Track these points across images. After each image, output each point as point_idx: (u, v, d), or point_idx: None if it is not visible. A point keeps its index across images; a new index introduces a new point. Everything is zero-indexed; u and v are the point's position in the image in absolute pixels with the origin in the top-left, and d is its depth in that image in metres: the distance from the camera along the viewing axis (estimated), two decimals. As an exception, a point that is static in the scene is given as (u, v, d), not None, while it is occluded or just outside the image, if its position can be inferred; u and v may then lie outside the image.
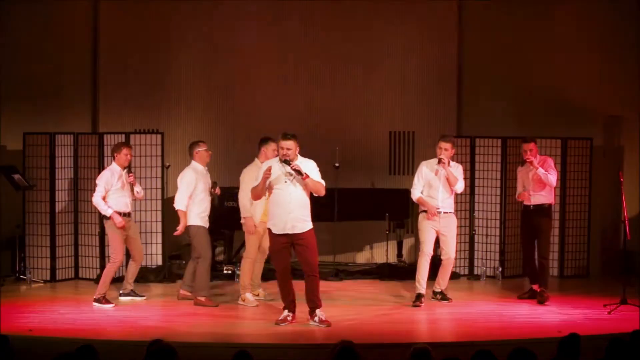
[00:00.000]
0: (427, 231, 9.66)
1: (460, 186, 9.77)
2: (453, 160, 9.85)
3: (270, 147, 9.67)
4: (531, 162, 9.70)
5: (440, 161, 9.58)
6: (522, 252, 10.25)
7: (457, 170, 9.75)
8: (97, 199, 9.65)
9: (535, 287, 9.90)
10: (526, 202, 9.95)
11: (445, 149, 9.61)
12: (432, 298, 9.83)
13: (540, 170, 9.69)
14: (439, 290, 9.85)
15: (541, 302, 9.68)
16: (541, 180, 9.74)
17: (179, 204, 9.66)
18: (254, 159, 9.80)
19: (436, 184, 9.64)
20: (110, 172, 9.72)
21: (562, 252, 11.66)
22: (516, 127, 11.87)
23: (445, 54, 12.49)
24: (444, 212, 9.67)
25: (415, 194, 9.76)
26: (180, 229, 9.65)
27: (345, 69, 12.52)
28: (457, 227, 11.42)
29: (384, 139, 12.55)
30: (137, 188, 9.92)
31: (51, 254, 11.09)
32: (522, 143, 9.88)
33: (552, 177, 9.79)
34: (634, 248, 11.25)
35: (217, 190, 9.95)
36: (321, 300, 8.65)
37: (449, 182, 9.63)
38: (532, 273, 10.01)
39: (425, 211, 9.70)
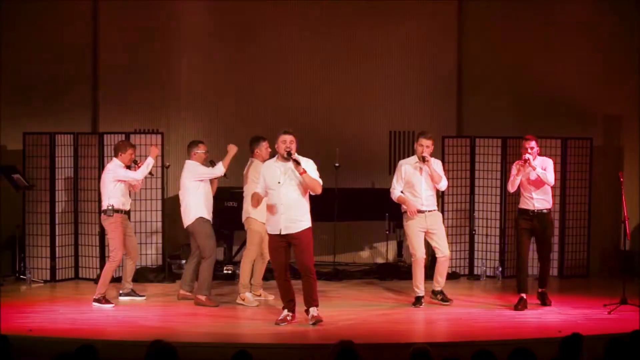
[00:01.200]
0: (416, 235, 9.51)
1: (444, 183, 9.61)
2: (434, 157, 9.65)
3: (263, 145, 9.71)
4: (528, 161, 9.35)
5: (424, 159, 9.41)
6: (519, 257, 9.63)
7: (439, 167, 9.58)
8: (137, 175, 9.71)
9: (526, 296, 9.53)
10: (526, 207, 9.56)
11: (427, 146, 9.43)
12: (432, 298, 9.72)
13: (539, 170, 9.38)
14: (439, 290, 9.71)
15: (546, 304, 9.61)
16: (539, 181, 9.47)
17: (213, 170, 9.72)
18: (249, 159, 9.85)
19: (418, 182, 9.50)
20: (115, 167, 9.77)
21: (562, 252, 11.65)
22: (516, 127, 11.86)
23: (445, 54, 12.50)
24: (429, 211, 9.54)
25: (396, 193, 9.57)
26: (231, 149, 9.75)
27: (345, 68, 12.51)
28: (457, 226, 11.48)
29: (384, 139, 12.54)
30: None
31: (51, 254, 11.09)
32: (523, 140, 9.57)
33: (551, 176, 9.45)
34: (634, 248, 11.25)
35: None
36: (318, 300, 8.65)
37: (433, 180, 9.51)
38: (523, 281, 9.56)
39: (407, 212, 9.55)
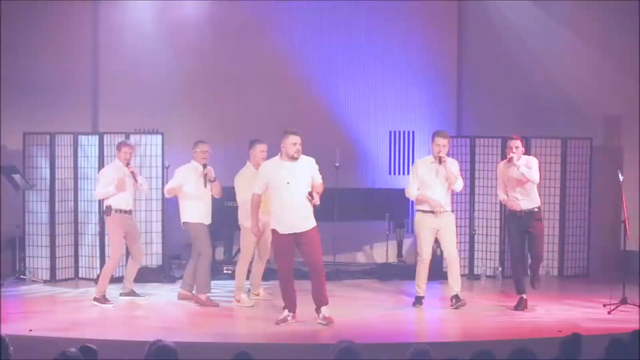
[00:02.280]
0: (425, 235, 9.45)
1: (460, 184, 9.52)
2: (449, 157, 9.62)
3: (257, 149, 9.69)
4: (511, 159, 9.32)
5: (441, 159, 9.33)
6: (513, 258, 9.65)
7: (455, 167, 9.49)
8: (99, 191, 9.76)
9: (525, 296, 9.49)
10: (514, 208, 9.47)
11: (444, 145, 9.36)
12: (452, 307, 9.46)
13: (523, 169, 9.29)
14: (454, 294, 9.52)
15: (535, 287, 9.55)
16: (520, 181, 9.35)
17: (165, 189, 9.94)
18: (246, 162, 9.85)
19: (434, 182, 9.42)
20: (114, 166, 9.85)
21: (562, 252, 11.65)
22: (516, 127, 11.84)
23: (445, 54, 12.49)
24: (442, 211, 9.48)
25: (413, 192, 9.46)
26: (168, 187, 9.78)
27: (345, 68, 12.51)
28: (457, 226, 11.48)
29: (384, 139, 12.54)
30: (140, 180, 9.92)
31: (51, 254, 11.08)
32: (508, 140, 9.52)
33: (535, 174, 9.35)
34: (634, 248, 11.24)
35: (208, 173, 9.75)
36: (328, 298, 8.67)
37: (448, 181, 9.44)
38: (521, 282, 9.51)
39: (421, 211, 9.48)
